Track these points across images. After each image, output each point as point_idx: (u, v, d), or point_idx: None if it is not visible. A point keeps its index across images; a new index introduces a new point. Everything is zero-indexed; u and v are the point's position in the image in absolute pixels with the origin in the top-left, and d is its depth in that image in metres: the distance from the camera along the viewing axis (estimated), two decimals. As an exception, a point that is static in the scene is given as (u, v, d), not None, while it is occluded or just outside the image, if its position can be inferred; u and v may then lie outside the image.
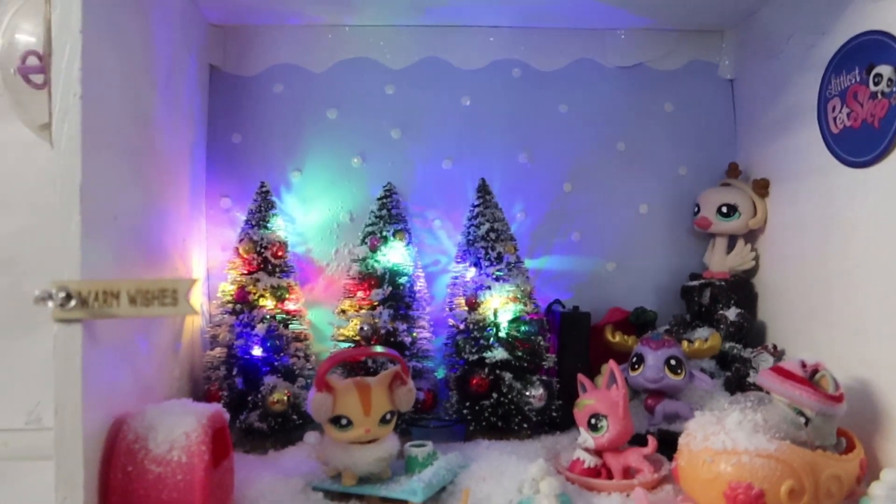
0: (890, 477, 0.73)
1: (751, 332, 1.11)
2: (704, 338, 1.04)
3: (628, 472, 0.84)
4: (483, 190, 1.08)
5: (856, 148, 0.89)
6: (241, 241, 1.03)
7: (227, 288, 1.02)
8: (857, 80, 0.88)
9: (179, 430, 0.67)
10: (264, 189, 1.07)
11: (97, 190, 0.67)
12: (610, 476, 0.84)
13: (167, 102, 0.91)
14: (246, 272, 1.02)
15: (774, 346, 1.04)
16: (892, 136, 0.81)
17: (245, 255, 1.02)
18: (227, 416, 0.78)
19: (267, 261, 1.02)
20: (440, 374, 1.08)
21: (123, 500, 0.65)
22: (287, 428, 0.96)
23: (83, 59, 0.64)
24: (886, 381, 0.82)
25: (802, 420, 0.77)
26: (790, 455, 0.71)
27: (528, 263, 1.17)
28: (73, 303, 0.62)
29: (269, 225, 1.04)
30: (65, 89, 0.64)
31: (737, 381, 1.01)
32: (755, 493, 0.70)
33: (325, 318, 1.12)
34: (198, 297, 1.05)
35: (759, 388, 0.83)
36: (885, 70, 0.83)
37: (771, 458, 0.71)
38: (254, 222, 1.04)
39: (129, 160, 0.77)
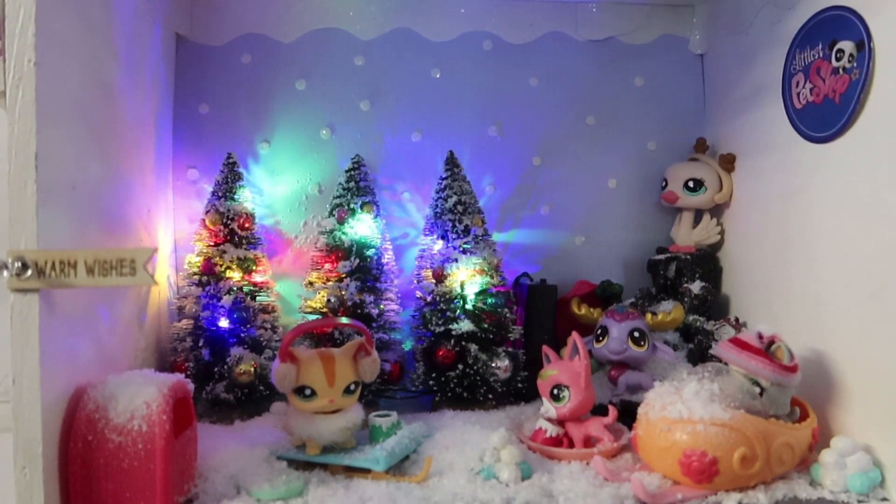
0: (839, 444, 0.76)
1: (715, 305, 1.13)
2: (668, 311, 1.05)
3: (589, 441, 0.85)
4: (451, 162, 1.08)
5: (818, 123, 0.90)
6: (207, 212, 1.02)
7: (194, 259, 1.01)
8: (821, 55, 0.89)
9: (140, 399, 0.67)
10: (231, 160, 1.06)
11: (54, 158, 0.66)
12: (571, 445, 0.86)
13: (129, 71, 0.90)
14: (212, 244, 1.01)
15: (736, 319, 1.06)
16: (851, 111, 0.82)
17: (211, 227, 1.01)
18: (190, 386, 0.78)
19: (234, 232, 1.02)
20: (407, 345, 1.08)
21: (84, 469, 0.65)
22: (254, 399, 0.96)
23: (38, 24, 0.63)
24: (840, 352, 0.84)
25: (757, 390, 0.79)
26: (743, 423, 0.73)
27: (497, 237, 1.18)
28: (29, 272, 0.62)
29: (235, 196, 1.03)
30: (19, 56, 0.63)
31: (699, 353, 1.03)
32: (709, 461, 0.72)
33: (294, 290, 1.12)
34: (163, 268, 1.05)
35: (719, 360, 0.85)
36: (846, 46, 0.84)
37: (725, 427, 0.72)
38: (220, 194, 1.03)
39: (88, 129, 0.76)
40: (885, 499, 0.73)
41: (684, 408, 0.75)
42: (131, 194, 0.91)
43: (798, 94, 0.94)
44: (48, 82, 0.64)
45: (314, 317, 1.01)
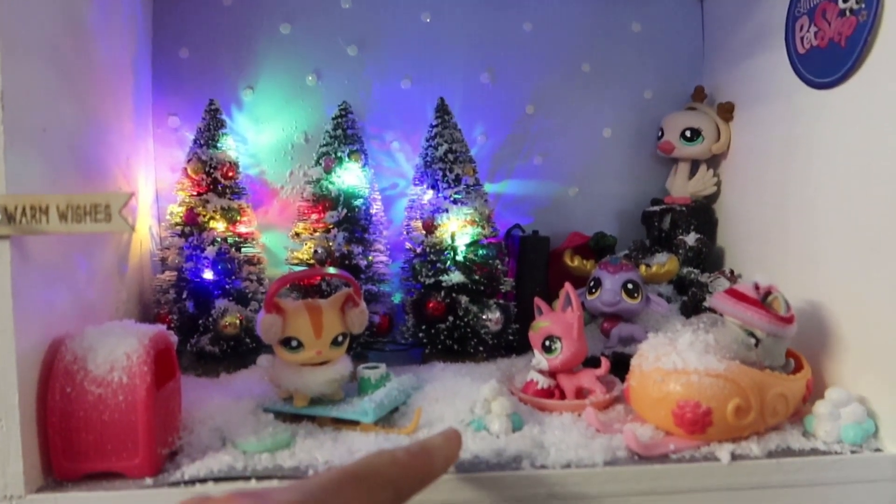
0: (834, 395, 0.75)
1: (709, 258, 1.12)
2: (662, 262, 1.03)
3: (581, 393, 0.84)
4: (442, 110, 1.04)
5: (821, 68, 0.86)
6: (189, 161, 0.98)
7: (176, 209, 0.98)
8: (827, -4, 0.86)
9: (120, 350, 0.65)
10: (213, 107, 1.01)
11: (21, 98, 0.62)
12: (563, 397, 0.85)
13: (103, 11, 0.85)
14: (195, 193, 0.98)
15: (731, 271, 1.05)
16: (857, 55, 0.79)
17: (194, 176, 0.97)
18: (173, 338, 0.76)
19: (217, 182, 0.98)
20: (397, 298, 1.06)
21: (63, 421, 0.63)
22: (240, 351, 0.94)
23: (1, -45, 0.59)
24: (837, 304, 0.83)
25: (753, 341, 0.77)
26: (738, 374, 0.72)
27: (489, 187, 1.15)
28: (-2, 218, 0.59)
29: (218, 144, 0.99)
30: (-19, -12, 0.59)
31: (693, 305, 1.02)
32: (702, 411, 0.70)
33: (281, 241, 1.09)
34: (145, 218, 1.02)
35: (714, 312, 0.83)
36: (854, -15, 0.80)
37: (719, 378, 0.71)
38: (202, 142, 0.99)
39: (59, 70, 0.72)
40: (878, 449, 0.73)
41: (679, 359, 0.73)
42: (108, 141, 0.87)
43: (802, 39, 0.91)
44: (12, 17, 0.61)
45: (301, 268, 0.98)
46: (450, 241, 0.99)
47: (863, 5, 0.78)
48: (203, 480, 0.65)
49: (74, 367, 0.64)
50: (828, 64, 0.85)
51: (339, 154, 1.01)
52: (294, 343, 0.77)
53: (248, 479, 0.65)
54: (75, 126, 0.76)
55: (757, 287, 0.81)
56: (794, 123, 0.93)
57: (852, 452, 0.72)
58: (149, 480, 0.64)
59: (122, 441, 0.64)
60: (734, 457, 0.70)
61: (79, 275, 0.76)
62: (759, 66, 1.02)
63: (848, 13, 0.81)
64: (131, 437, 0.64)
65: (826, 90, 0.86)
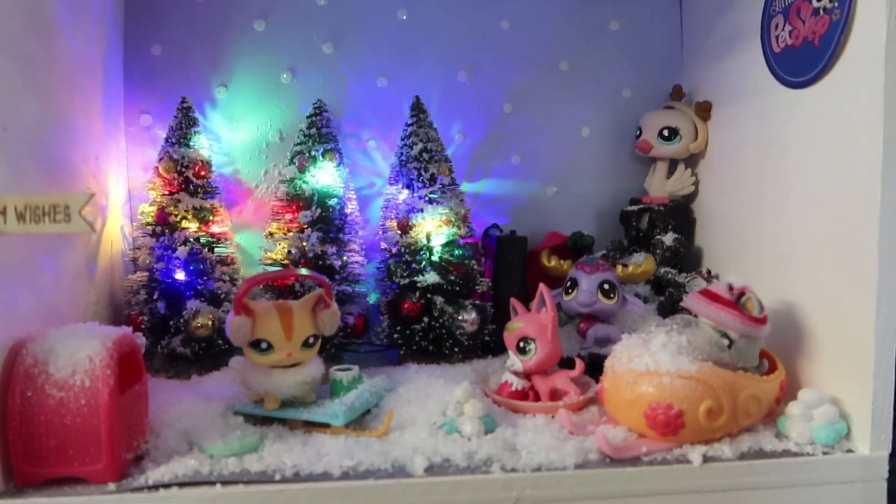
0: (806, 396, 0.75)
1: (687, 258, 1.12)
2: (639, 263, 1.03)
3: (555, 395, 0.84)
4: (417, 108, 1.03)
5: (796, 67, 0.86)
6: (160, 159, 0.97)
7: (147, 209, 0.97)
8: (801, -5, 0.85)
9: (82, 353, 0.64)
10: (185, 105, 0.99)
11: (-21, 96, 0.61)
12: (537, 398, 0.84)
13: (70, 7, 0.84)
14: (166, 193, 0.96)
15: (708, 271, 1.04)
16: (831, 54, 0.79)
17: (165, 175, 0.96)
18: (141, 340, 0.75)
19: (189, 181, 0.97)
20: (372, 298, 1.05)
21: (23, 425, 0.62)
22: (212, 353, 0.93)
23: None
24: (811, 304, 0.83)
25: (726, 342, 0.77)
26: (710, 376, 0.71)
27: (467, 187, 1.15)
28: (-46, 219, 0.57)
29: (190, 143, 0.98)
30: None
31: (670, 306, 1.01)
32: (674, 413, 0.70)
33: (256, 241, 1.08)
34: (116, 218, 1.00)
35: (689, 312, 0.83)
36: (828, -15, 0.80)
37: (691, 379, 0.71)
38: (174, 140, 0.98)
39: (20, 66, 0.70)
40: (850, 450, 0.73)
41: (651, 360, 0.73)
42: (76, 140, 0.86)
43: (777, 38, 0.90)
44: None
45: (275, 269, 0.97)
46: (425, 242, 0.98)
47: (836, 4, 0.78)
48: (167, 485, 0.64)
49: (35, 371, 0.63)
50: (802, 63, 0.85)
51: (313, 153, 1.00)
52: (264, 345, 0.75)
53: (213, 483, 0.64)
54: (40, 125, 0.75)
55: (731, 288, 0.80)
56: (770, 123, 0.92)
57: (824, 454, 0.72)
58: (112, 486, 0.63)
59: (85, 446, 0.63)
60: (706, 459, 0.69)
61: (43, 276, 0.74)
62: (735, 65, 1.02)
63: (821, 12, 0.81)
64: (94, 441, 0.63)
65: (800, 89, 0.86)
